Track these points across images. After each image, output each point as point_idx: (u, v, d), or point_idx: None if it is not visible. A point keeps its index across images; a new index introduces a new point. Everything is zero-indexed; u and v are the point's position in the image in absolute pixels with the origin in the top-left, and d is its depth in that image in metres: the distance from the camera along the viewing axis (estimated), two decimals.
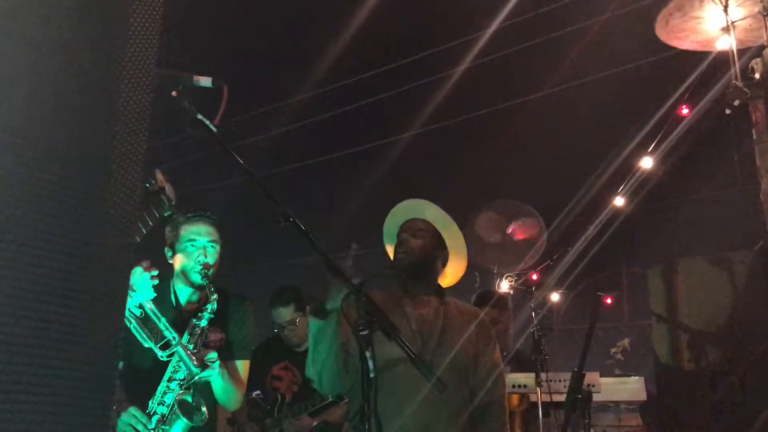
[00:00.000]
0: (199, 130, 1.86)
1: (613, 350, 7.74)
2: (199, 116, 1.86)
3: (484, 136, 5.96)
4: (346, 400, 3.26)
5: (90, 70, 0.90)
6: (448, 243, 3.04)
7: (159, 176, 2.49)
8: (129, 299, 2.57)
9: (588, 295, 8.42)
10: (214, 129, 1.86)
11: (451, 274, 3.09)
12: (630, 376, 4.35)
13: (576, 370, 2.57)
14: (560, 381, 3.63)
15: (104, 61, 0.94)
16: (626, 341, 7.77)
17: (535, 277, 5.64)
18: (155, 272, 2.63)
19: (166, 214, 2.59)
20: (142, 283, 2.59)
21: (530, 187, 6.27)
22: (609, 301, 8.91)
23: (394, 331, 1.80)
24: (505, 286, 5.61)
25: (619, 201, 6.16)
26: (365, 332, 1.75)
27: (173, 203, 2.43)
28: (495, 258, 5.90)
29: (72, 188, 0.88)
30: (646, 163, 5.80)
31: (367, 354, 1.71)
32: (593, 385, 3.50)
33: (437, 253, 3.00)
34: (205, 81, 1.87)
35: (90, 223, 0.91)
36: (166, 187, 2.47)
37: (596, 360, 7.59)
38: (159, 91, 1.87)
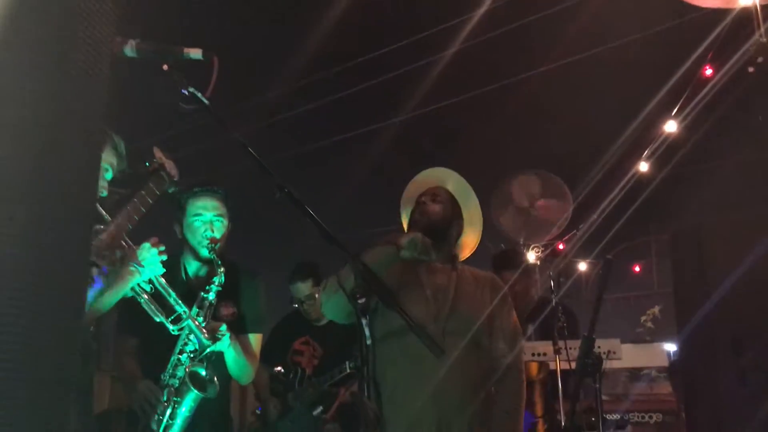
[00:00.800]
0: (192, 103, 1.85)
1: (643, 318, 7.64)
2: (191, 89, 1.85)
3: (501, 108, 5.88)
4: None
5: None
6: (465, 215, 3.03)
7: (158, 153, 2.50)
8: (138, 276, 2.59)
9: (617, 264, 8.33)
10: (206, 101, 1.85)
11: (464, 247, 3.08)
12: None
13: (585, 335, 2.55)
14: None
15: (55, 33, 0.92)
16: (656, 309, 7.66)
17: (561, 247, 5.59)
18: (162, 248, 2.65)
19: (169, 191, 2.60)
20: (151, 259, 2.61)
21: (553, 156, 6.18)
22: (638, 269, 8.82)
23: (391, 298, 1.80)
24: (531, 257, 5.57)
25: (643, 166, 6.05)
26: (362, 300, 1.75)
27: (176, 179, 2.43)
28: (521, 226, 5.83)
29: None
30: (671, 126, 5.68)
31: (364, 322, 1.70)
32: (614, 352, 3.47)
33: (453, 222, 3.00)
34: (195, 53, 1.86)
35: (44, 215, 0.89)
36: (167, 164, 2.47)
37: (627, 328, 7.51)
38: (150, 65, 1.87)
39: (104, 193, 2.64)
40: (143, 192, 2.41)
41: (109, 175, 2.65)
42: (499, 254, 4.47)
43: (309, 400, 2.23)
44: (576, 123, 5.94)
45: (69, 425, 0.92)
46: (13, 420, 0.83)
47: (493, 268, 4.27)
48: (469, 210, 3.05)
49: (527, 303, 4.09)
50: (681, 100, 5.53)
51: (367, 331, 1.69)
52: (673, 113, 5.69)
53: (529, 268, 4.58)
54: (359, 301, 1.74)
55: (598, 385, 2.65)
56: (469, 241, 3.09)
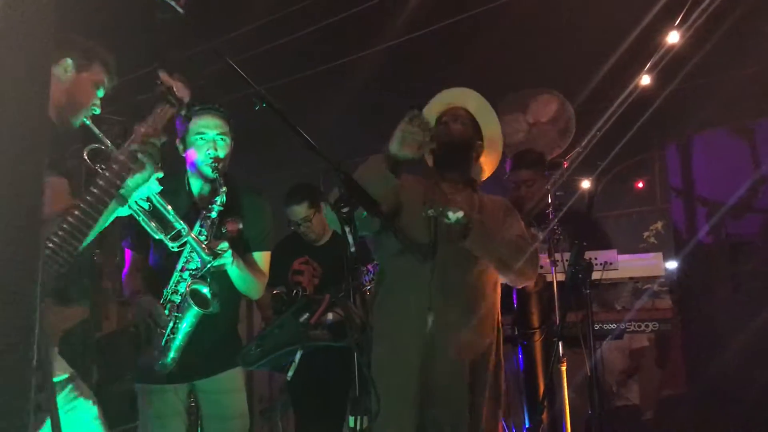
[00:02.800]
0: (167, 13, 1.82)
1: (645, 234, 7.65)
2: None
3: (494, 28, 5.73)
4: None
5: None
6: (485, 135, 3.02)
7: (164, 77, 2.44)
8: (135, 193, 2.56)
9: (619, 181, 8.29)
10: (180, 10, 1.81)
11: (485, 167, 3.07)
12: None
13: (576, 242, 2.56)
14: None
15: None
16: (659, 224, 7.67)
17: (565, 165, 5.56)
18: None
19: (181, 113, 2.55)
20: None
21: (550, 74, 6.07)
22: (641, 185, 8.77)
23: (374, 208, 1.80)
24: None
25: (645, 80, 5.95)
26: (346, 210, 1.75)
27: (185, 101, 2.37)
28: (521, 141, 5.78)
29: None
30: (673, 37, 5.55)
31: (347, 230, 1.71)
32: (610, 263, 3.49)
33: (474, 143, 2.99)
34: None
35: None
36: (175, 86, 2.41)
37: (629, 243, 7.51)
38: None
39: (97, 110, 2.61)
40: (152, 116, 2.36)
41: (100, 92, 2.63)
42: (519, 153, 4.44)
43: (295, 308, 2.27)
44: (573, 36, 5.80)
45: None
46: None
47: (512, 167, 4.26)
48: (490, 130, 3.03)
49: (533, 192, 4.09)
50: (684, 10, 5.39)
51: (350, 239, 1.71)
52: (675, 23, 5.56)
53: (540, 157, 4.50)
54: (342, 211, 1.75)
55: (588, 291, 2.67)
56: (488, 162, 3.08)
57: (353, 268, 1.73)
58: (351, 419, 1.70)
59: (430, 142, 2.59)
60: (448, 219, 2.64)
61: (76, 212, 2.02)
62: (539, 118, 5.55)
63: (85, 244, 2.18)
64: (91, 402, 2.27)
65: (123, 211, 2.42)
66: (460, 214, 2.64)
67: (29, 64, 0.93)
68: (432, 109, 3.02)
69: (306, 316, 1.90)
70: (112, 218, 2.41)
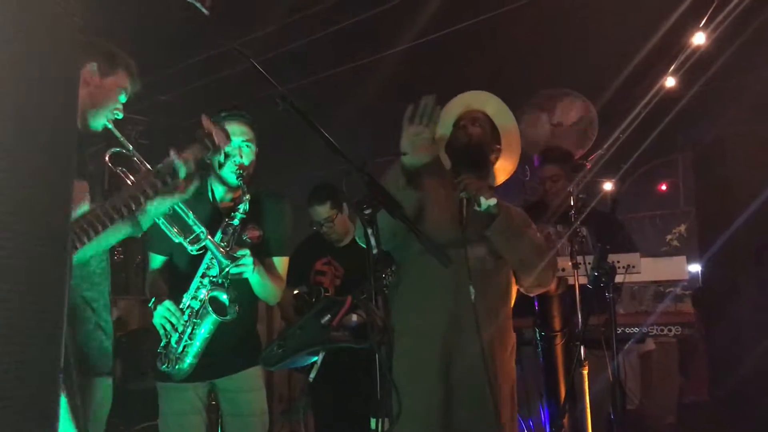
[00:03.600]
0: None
1: (668, 237, 7.58)
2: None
3: (515, 28, 5.71)
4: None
5: None
6: (503, 140, 3.00)
7: (206, 122, 2.45)
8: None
9: (643, 183, 8.22)
10: (206, 11, 1.82)
11: (501, 171, 3.05)
12: None
13: (600, 244, 2.54)
14: None
15: None
16: (682, 227, 7.60)
17: (588, 166, 5.52)
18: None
19: (207, 158, 2.57)
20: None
21: (573, 75, 6.03)
22: (664, 187, 8.71)
23: (397, 210, 1.80)
24: None
25: (670, 81, 5.89)
26: (368, 211, 1.75)
27: (220, 149, 2.39)
28: (542, 138, 5.74)
29: None
30: (699, 39, 5.49)
31: (370, 231, 1.71)
32: (633, 266, 3.45)
33: (492, 147, 2.97)
34: None
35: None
36: (215, 133, 2.41)
37: (652, 247, 7.46)
38: None
39: (119, 114, 2.64)
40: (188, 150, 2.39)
41: (123, 98, 2.66)
42: (547, 148, 4.42)
43: (317, 309, 2.28)
44: (598, 38, 5.75)
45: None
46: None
47: (539, 162, 4.24)
48: (509, 135, 3.02)
49: (559, 190, 4.06)
50: (710, 11, 5.33)
51: (373, 241, 1.70)
52: (701, 24, 5.50)
53: (567, 154, 4.47)
54: (365, 212, 1.75)
55: (611, 295, 2.65)
56: (505, 166, 3.06)
57: (376, 270, 1.73)
58: (372, 421, 1.70)
59: (436, 132, 2.57)
60: (479, 205, 2.63)
61: (89, 216, 2.03)
62: (563, 120, 5.51)
63: (85, 254, 2.19)
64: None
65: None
66: (493, 201, 2.63)
67: (58, 65, 0.93)
68: (451, 112, 3.00)
69: (328, 317, 1.90)
70: (119, 238, 2.39)
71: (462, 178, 2.72)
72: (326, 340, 1.92)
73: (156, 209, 2.33)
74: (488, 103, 3.00)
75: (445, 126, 2.98)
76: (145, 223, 2.35)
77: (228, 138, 2.51)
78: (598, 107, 5.89)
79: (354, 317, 2.28)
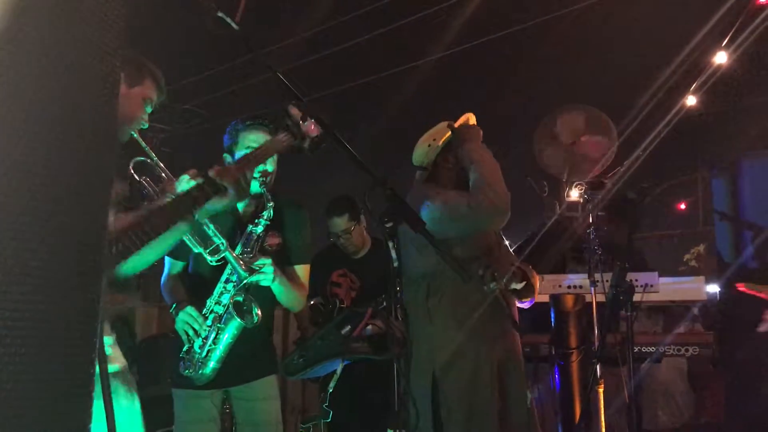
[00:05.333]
0: (221, 28, 1.86)
1: (686, 257, 7.49)
2: (220, 14, 1.86)
3: (540, 44, 5.72)
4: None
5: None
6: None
7: (294, 110, 2.42)
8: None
9: (661, 201, 8.17)
10: (236, 26, 1.86)
11: None
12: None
13: (619, 263, 2.54)
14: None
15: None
16: (701, 247, 7.52)
17: (606, 183, 5.50)
18: (201, 180, 2.65)
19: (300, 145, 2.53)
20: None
21: (598, 91, 6.03)
22: (683, 206, 8.65)
23: (419, 223, 1.81)
24: (575, 194, 5.51)
25: (691, 100, 5.88)
26: (390, 224, 1.77)
27: (311, 137, 2.34)
28: (565, 162, 5.74)
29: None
30: (720, 58, 5.48)
31: (391, 244, 1.73)
32: (651, 285, 3.45)
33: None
34: None
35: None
36: (302, 123, 2.38)
37: (670, 266, 7.39)
38: None
39: (145, 125, 2.67)
40: (269, 141, 2.37)
41: (149, 108, 2.69)
42: None
43: (337, 320, 2.30)
44: (621, 56, 5.76)
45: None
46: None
47: None
48: None
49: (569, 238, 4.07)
50: (732, 30, 5.32)
51: (393, 254, 1.72)
52: (723, 44, 5.48)
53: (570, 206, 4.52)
54: (386, 225, 1.77)
55: (629, 313, 2.65)
56: None
57: (396, 283, 1.74)
58: None
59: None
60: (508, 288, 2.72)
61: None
62: (588, 147, 5.49)
63: (146, 258, 2.19)
64: (136, 396, 2.29)
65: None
66: (521, 285, 2.71)
67: (102, 67, 0.96)
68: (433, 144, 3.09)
69: (348, 328, 1.92)
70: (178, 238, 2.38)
71: (486, 269, 2.76)
72: (346, 351, 1.94)
73: (213, 206, 2.32)
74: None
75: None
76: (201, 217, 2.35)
77: (318, 128, 2.45)
78: (619, 125, 5.89)
79: (369, 327, 2.30)
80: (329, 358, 2.12)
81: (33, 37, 0.84)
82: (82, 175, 0.90)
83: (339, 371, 1.92)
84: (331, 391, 2.10)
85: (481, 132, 3.04)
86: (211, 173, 2.14)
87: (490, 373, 2.72)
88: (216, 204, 2.23)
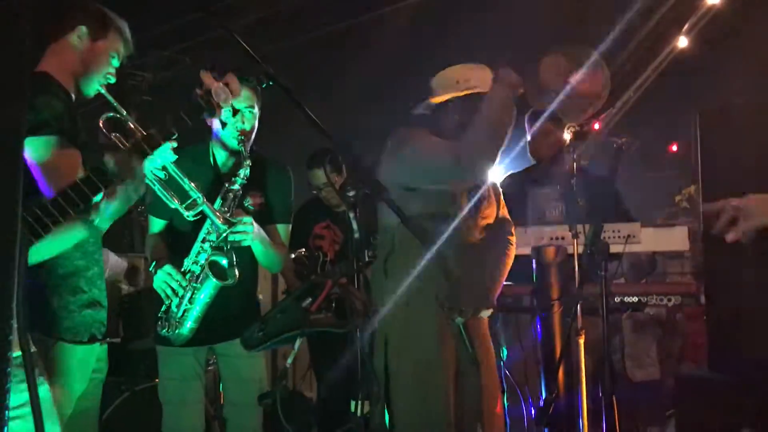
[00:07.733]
0: None
1: (677, 198, 7.38)
2: None
3: None
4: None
5: None
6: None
7: (206, 77, 2.30)
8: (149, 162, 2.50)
9: (653, 144, 8.10)
10: None
11: None
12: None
13: (595, 221, 2.50)
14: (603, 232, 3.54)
15: None
16: (692, 188, 7.43)
17: (597, 126, 5.42)
18: (174, 135, 2.54)
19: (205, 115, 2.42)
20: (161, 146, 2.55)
21: (586, 30, 5.89)
22: (674, 148, 8.57)
23: (381, 192, 1.77)
24: (566, 136, 5.42)
25: (682, 41, 5.77)
26: (352, 193, 1.73)
27: (221, 102, 2.21)
28: (559, 107, 5.63)
29: None
30: None
31: (351, 215, 1.69)
32: (633, 236, 3.42)
33: None
34: None
35: None
36: (213, 90, 2.24)
37: (661, 208, 7.35)
38: None
39: (112, 79, 2.60)
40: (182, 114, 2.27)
41: (115, 62, 2.61)
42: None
43: (297, 292, 2.28)
44: None
45: None
46: None
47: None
48: None
49: (553, 143, 4.02)
50: None
51: (354, 225, 1.69)
52: None
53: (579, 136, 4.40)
54: (349, 195, 1.73)
55: (603, 273, 2.63)
56: None
57: (358, 253, 1.71)
58: (352, 404, 1.70)
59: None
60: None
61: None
62: (578, 85, 5.38)
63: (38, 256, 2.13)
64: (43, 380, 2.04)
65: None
66: (489, 312, 2.77)
67: None
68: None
69: (308, 301, 1.90)
70: (74, 241, 2.29)
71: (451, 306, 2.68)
72: (306, 323, 1.93)
73: (110, 211, 2.26)
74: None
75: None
76: (103, 223, 2.29)
77: (233, 92, 2.34)
78: (611, 66, 5.77)
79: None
80: (289, 331, 2.11)
81: None
82: None
83: (297, 346, 1.91)
84: (288, 366, 2.10)
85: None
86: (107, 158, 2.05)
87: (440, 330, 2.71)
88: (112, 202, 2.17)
